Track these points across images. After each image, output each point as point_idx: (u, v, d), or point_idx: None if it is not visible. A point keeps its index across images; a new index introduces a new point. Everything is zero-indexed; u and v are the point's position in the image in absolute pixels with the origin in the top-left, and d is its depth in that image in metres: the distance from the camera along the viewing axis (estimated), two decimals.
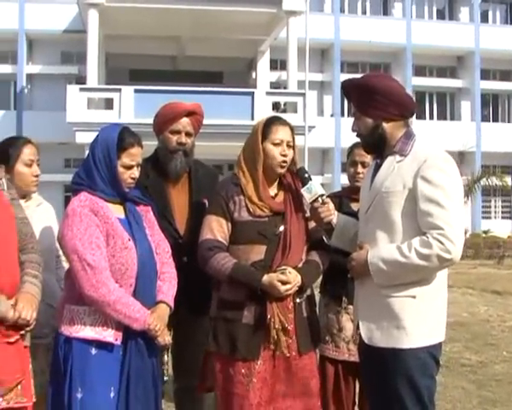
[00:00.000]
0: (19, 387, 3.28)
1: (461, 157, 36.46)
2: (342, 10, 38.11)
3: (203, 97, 23.82)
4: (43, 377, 3.67)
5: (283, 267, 3.84)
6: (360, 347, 3.90)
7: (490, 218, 39.17)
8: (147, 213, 3.86)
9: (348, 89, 3.80)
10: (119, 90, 26.57)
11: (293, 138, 4.07)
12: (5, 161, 3.88)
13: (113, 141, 3.63)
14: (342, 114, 36.62)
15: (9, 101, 35.80)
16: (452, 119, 39.41)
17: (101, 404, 3.50)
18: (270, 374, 3.88)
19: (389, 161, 3.67)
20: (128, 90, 26.53)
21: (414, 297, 3.54)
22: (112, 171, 3.62)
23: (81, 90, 26.65)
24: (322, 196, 3.87)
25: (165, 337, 3.66)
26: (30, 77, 35.19)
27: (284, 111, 27.61)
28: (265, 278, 3.79)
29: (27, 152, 4.12)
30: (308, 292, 4.08)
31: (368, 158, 4.66)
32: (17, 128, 33.10)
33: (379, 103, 3.61)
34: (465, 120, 39.10)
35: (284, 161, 3.98)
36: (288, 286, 3.80)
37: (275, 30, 30.22)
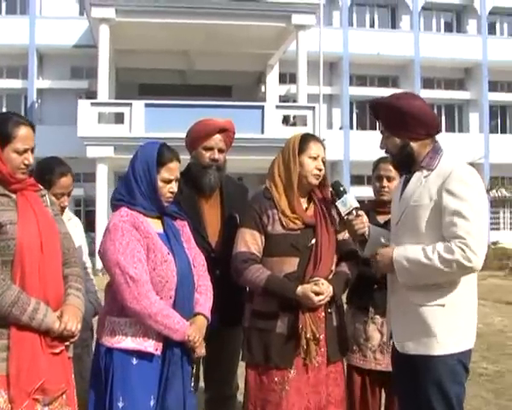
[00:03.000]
0: (64, 397, 3.39)
1: None
2: (351, 23, 38.14)
3: (213, 111, 23.83)
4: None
5: (316, 279, 3.96)
6: (393, 355, 4.00)
7: (498, 229, 39.08)
8: (183, 228, 3.97)
9: (376, 108, 3.92)
10: (130, 104, 26.62)
11: (325, 155, 4.22)
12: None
13: (152, 156, 3.74)
14: (351, 127, 36.73)
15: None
16: (461, 131, 39.38)
17: None
18: (305, 384, 4.00)
19: (417, 176, 3.80)
20: (139, 105, 26.60)
21: (443, 306, 3.65)
22: (152, 185, 3.74)
23: (92, 104, 26.71)
24: (356, 208, 3.99)
25: (202, 349, 3.77)
26: (40, 92, 35.30)
27: (294, 124, 27.67)
28: (299, 289, 3.91)
29: (62, 185, 4.32)
30: (338, 303, 4.20)
31: (393, 172, 4.78)
32: None
33: (407, 125, 3.73)
34: (473, 131, 39.08)
35: (318, 174, 4.14)
36: (321, 297, 3.93)
37: (284, 44, 30.25)
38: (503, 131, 40.52)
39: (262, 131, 26.24)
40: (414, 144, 3.78)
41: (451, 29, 40.42)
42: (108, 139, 25.42)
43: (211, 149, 4.50)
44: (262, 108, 27.34)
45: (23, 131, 3.38)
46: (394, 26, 39.28)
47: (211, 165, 4.50)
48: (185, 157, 4.24)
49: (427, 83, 38.51)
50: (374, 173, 4.99)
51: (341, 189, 4.05)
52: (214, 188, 4.57)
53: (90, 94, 31.32)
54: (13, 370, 3.21)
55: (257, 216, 4.10)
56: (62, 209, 4.34)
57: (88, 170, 28.26)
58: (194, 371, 3.82)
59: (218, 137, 4.53)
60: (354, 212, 3.99)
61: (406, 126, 3.74)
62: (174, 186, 3.82)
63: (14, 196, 3.42)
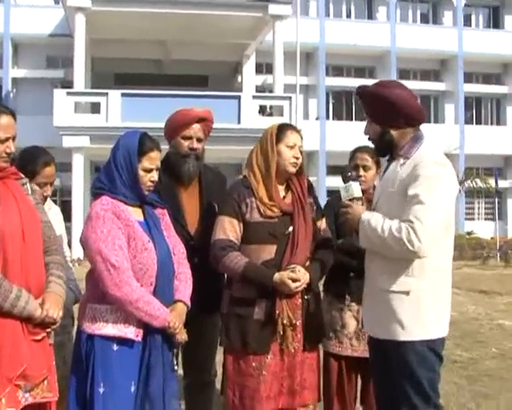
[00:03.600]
0: (45, 383, 3.42)
1: None
2: (327, 14, 38.25)
3: (190, 101, 23.78)
4: (57, 373, 3.74)
5: (293, 266, 4.04)
6: (368, 339, 4.12)
7: (473, 219, 39.43)
8: (163, 216, 4.02)
9: (360, 95, 3.99)
10: (106, 94, 26.57)
11: (302, 145, 4.30)
12: None
13: (134, 146, 3.79)
14: (327, 118, 36.87)
15: None
16: (436, 121, 39.63)
17: (123, 398, 3.65)
18: (280, 368, 4.08)
19: (394, 164, 3.89)
20: (115, 94, 26.54)
21: (407, 293, 3.73)
22: (133, 174, 3.78)
23: (68, 94, 26.65)
24: (358, 198, 4.00)
25: (182, 335, 3.83)
26: (15, 81, 35.10)
27: (270, 114, 27.71)
28: (277, 275, 3.99)
29: (45, 174, 4.36)
30: (315, 289, 4.28)
31: (369, 162, 4.88)
32: None
33: (387, 113, 3.81)
34: (449, 122, 39.38)
35: (296, 162, 4.21)
36: (297, 283, 4.01)
37: (260, 34, 30.29)
38: (478, 122, 40.87)
39: (238, 121, 26.30)
40: (394, 132, 3.85)
41: (427, 20, 40.70)
42: (84, 129, 25.38)
43: (189, 138, 4.54)
44: (238, 98, 27.42)
45: (4, 119, 3.39)
46: (371, 16, 39.48)
47: (189, 154, 4.54)
48: (164, 147, 4.27)
49: (403, 74, 38.71)
50: (350, 163, 5.06)
51: (349, 174, 4.12)
52: (193, 177, 4.62)
53: (66, 83, 31.21)
54: None
55: (235, 204, 4.16)
56: (45, 198, 4.37)
57: (64, 160, 27.94)
58: (175, 356, 3.88)
59: (196, 126, 4.57)
60: (355, 201, 4.01)
61: (386, 114, 3.82)
62: (155, 175, 3.86)
63: None
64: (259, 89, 34.21)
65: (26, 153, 4.40)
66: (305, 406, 4.21)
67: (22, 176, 3.62)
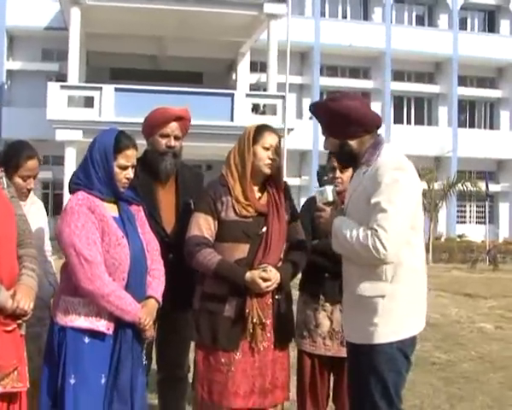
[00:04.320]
0: (15, 373, 3.46)
1: (437, 162, 36.91)
2: (323, 14, 38.34)
3: (183, 97, 24.04)
4: (31, 364, 3.79)
5: (264, 265, 4.12)
6: (346, 346, 4.16)
7: (465, 222, 39.58)
8: (139, 213, 4.09)
9: (314, 112, 4.07)
10: (100, 88, 26.66)
11: (280, 146, 4.37)
12: (5, 168, 4.01)
13: (110, 143, 3.86)
14: None
15: None
16: (429, 124, 39.77)
17: (93, 389, 3.72)
18: (251, 366, 4.16)
19: (357, 173, 3.97)
20: (109, 89, 26.62)
21: (383, 297, 3.78)
22: (108, 171, 3.85)
23: (62, 87, 26.72)
24: (332, 203, 4.03)
25: (151, 332, 3.91)
26: (10, 73, 35.12)
27: (263, 113, 27.78)
28: (248, 274, 4.07)
29: (28, 167, 4.36)
30: (286, 290, 4.36)
31: None
32: None
33: (342, 125, 3.85)
34: (442, 125, 39.47)
35: (271, 164, 4.27)
36: (268, 283, 4.09)
37: (256, 32, 30.41)
38: (472, 125, 41.00)
39: (231, 119, 26.41)
40: (352, 142, 3.89)
41: (423, 23, 40.81)
42: (77, 123, 25.42)
43: (167, 136, 4.60)
44: (232, 95, 27.54)
45: None
46: (366, 17, 39.55)
47: (167, 152, 4.60)
48: (141, 142, 4.34)
49: (398, 75, 38.87)
50: (327, 164, 5.11)
51: (325, 178, 4.18)
52: (170, 174, 4.68)
53: (61, 77, 31.26)
54: None
55: (211, 201, 4.23)
56: (28, 191, 4.44)
57: (56, 153, 28.24)
58: (145, 351, 3.95)
59: (174, 124, 4.63)
60: (330, 206, 4.03)
61: (340, 127, 3.87)
62: (130, 172, 3.93)
63: None
64: (254, 87, 34.27)
65: (11, 147, 4.46)
66: (274, 406, 4.30)
67: None
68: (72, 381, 3.70)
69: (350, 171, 4.90)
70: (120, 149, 3.87)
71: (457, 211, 38.74)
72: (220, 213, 4.22)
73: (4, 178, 3.73)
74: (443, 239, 35.36)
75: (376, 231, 3.63)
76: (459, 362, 8.68)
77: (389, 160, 3.81)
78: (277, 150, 4.33)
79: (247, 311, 4.09)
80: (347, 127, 3.86)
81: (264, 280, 4.08)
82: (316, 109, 4.04)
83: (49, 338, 3.87)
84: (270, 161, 4.27)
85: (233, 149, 4.39)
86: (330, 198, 4.02)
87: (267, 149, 4.27)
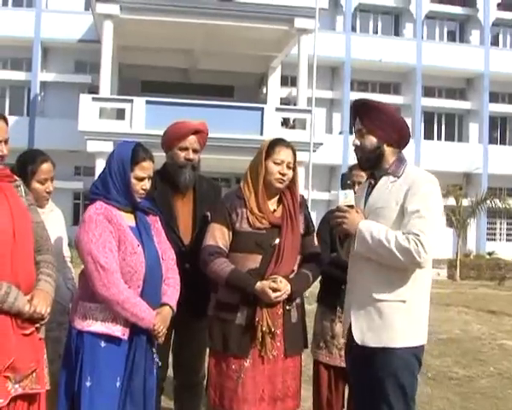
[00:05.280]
0: (33, 375, 3.58)
1: (467, 178, 36.74)
2: (354, 29, 38.35)
3: (214, 111, 24.27)
4: (51, 367, 3.92)
5: (275, 276, 4.23)
6: (348, 348, 4.23)
7: (495, 240, 39.25)
8: (155, 223, 4.23)
9: (360, 107, 4.16)
10: (131, 100, 26.86)
11: (295, 160, 4.46)
12: (22, 177, 4.12)
13: (127, 155, 4.03)
14: (351, 132, 36.47)
15: (23, 107, 36.14)
16: (460, 140, 39.55)
17: (108, 392, 3.86)
18: (260, 374, 4.26)
19: (384, 181, 4.07)
20: (140, 102, 26.83)
21: (404, 302, 3.90)
22: (125, 182, 4.01)
23: (94, 99, 26.97)
24: (353, 207, 4.06)
25: (162, 338, 4.04)
26: (43, 84, 35.52)
27: (293, 127, 27.86)
28: (258, 284, 4.18)
29: (43, 171, 4.51)
30: (298, 301, 4.46)
31: (363, 179, 5.01)
32: (29, 135, 33.54)
33: (389, 129, 4.03)
34: (472, 141, 39.26)
35: (281, 179, 4.37)
36: (278, 294, 4.19)
37: (286, 47, 30.52)
38: (503, 142, 40.68)
39: (261, 133, 26.46)
40: (387, 148, 4.05)
41: (454, 38, 40.62)
42: (109, 134, 25.58)
43: (186, 149, 4.74)
44: (262, 109, 27.56)
45: None
46: (397, 33, 39.47)
47: (186, 164, 4.74)
48: (160, 154, 4.45)
49: (429, 91, 38.73)
50: (347, 179, 5.13)
51: (348, 182, 4.24)
52: (189, 186, 4.82)
53: (93, 89, 31.60)
54: None
55: (226, 213, 4.36)
56: (48, 194, 4.59)
57: (88, 164, 28.56)
58: (158, 356, 4.08)
59: (192, 138, 4.77)
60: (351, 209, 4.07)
61: (387, 130, 4.02)
62: (147, 184, 4.08)
63: None
64: (284, 101, 34.40)
65: (24, 156, 4.60)
66: None
67: (16, 178, 3.82)
68: (89, 384, 3.84)
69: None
70: (137, 160, 4.03)
71: (488, 228, 38.46)
72: (235, 224, 4.34)
73: (22, 186, 3.86)
74: (472, 256, 35.18)
75: (418, 235, 3.76)
76: (477, 378, 8.70)
77: (422, 173, 4.03)
78: (290, 165, 4.42)
79: (257, 320, 4.19)
80: (392, 132, 4.04)
81: (274, 290, 4.17)
82: (365, 105, 4.13)
83: (67, 342, 4.02)
84: (280, 176, 4.36)
85: (250, 163, 4.51)
86: (353, 202, 4.08)
87: (279, 164, 4.37)
